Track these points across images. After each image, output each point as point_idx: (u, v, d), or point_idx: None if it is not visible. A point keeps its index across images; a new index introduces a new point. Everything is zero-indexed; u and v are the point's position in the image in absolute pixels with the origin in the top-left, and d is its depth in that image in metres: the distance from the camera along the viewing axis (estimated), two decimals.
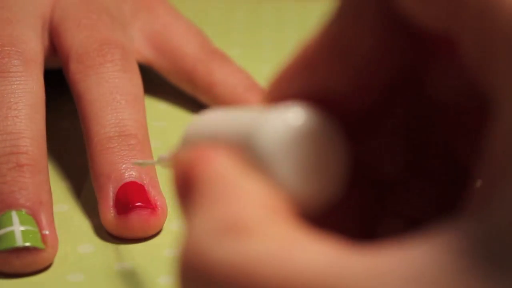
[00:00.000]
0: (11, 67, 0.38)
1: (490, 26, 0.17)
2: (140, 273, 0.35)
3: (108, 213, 0.36)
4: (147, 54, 0.46)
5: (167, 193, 0.37)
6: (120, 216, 0.36)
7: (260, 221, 0.18)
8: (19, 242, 0.33)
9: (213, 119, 0.23)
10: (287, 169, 0.20)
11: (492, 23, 0.17)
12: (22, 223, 0.34)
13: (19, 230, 0.34)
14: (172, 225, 0.37)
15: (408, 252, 0.16)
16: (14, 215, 0.34)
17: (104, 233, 0.37)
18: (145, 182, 0.37)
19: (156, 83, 0.48)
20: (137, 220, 0.36)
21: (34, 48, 0.40)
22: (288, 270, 0.17)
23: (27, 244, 0.33)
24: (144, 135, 0.39)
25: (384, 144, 0.23)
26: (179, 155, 0.21)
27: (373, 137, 0.23)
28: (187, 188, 0.20)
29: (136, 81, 0.40)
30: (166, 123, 0.46)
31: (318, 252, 0.17)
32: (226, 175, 0.20)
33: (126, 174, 0.36)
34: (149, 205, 0.36)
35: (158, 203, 0.36)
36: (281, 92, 0.22)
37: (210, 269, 0.18)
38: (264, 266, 0.17)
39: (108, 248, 0.36)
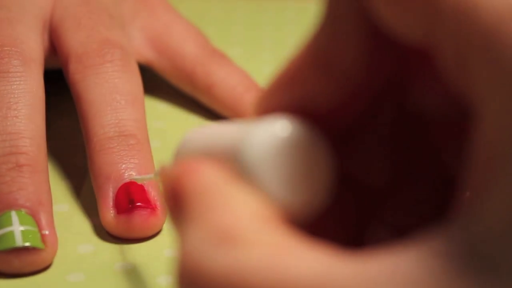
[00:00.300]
0: (11, 67, 0.38)
1: (467, 36, 0.17)
2: (140, 273, 0.35)
3: (108, 213, 0.36)
4: (147, 54, 0.46)
5: None
6: (119, 216, 0.36)
7: (252, 230, 0.19)
8: (19, 242, 0.33)
9: (203, 134, 0.24)
10: (273, 180, 0.20)
11: (469, 32, 0.17)
12: (21, 223, 0.34)
13: (18, 230, 0.34)
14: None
15: (397, 257, 0.17)
16: (14, 215, 0.34)
17: (104, 233, 0.37)
18: (145, 182, 0.37)
19: (156, 83, 0.48)
20: (137, 220, 0.36)
21: (34, 48, 0.40)
22: (282, 278, 0.17)
23: (27, 244, 0.33)
24: (144, 135, 0.39)
25: (371, 153, 0.23)
26: (167, 170, 0.22)
27: (359, 147, 0.23)
28: (176, 201, 0.21)
29: (135, 81, 0.40)
30: (166, 123, 0.46)
31: (311, 259, 0.17)
32: (214, 186, 0.20)
33: (126, 174, 0.36)
34: (149, 205, 0.36)
35: (158, 203, 0.36)
36: (269, 105, 0.22)
37: (205, 279, 0.18)
38: (259, 274, 0.17)
39: (108, 248, 0.36)
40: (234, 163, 0.21)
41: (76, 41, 0.41)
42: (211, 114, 0.46)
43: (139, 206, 0.36)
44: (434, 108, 0.22)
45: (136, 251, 0.36)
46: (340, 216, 0.23)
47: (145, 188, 0.36)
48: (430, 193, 0.23)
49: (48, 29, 0.42)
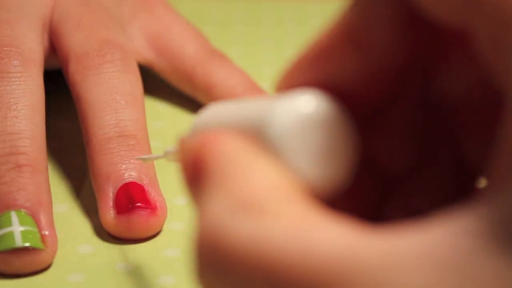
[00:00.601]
0: (11, 68, 0.38)
1: (504, 19, 0.17)
2: (140, 273, 0.35)
3: (108, 213, 0.36)
4: (147, 54, 0.46)
5: (166, 193, 0.37)
6: (119, 217, 0.36)
7: (276, 201, 0.18)
8: (19, 242, 0.33)
9: (221, 110, 0.23)
10: (298, 154, 0.20)
11: (506, 16, 0.17)
12: (21, 223, 0.34)
13: (18, 230, 0.34)
14: (172, 225, 0.37)
15: (426, 233, 0.17)
16: (14, 216, 0.34)
17: (104, 233, 0.37)
18: (144, 182, 0.37)
19: (156, 83, 0.48)
20: (137, 220, 0.36)
21: (34, 48, 0.40)
22: (307, 251, 0.17)
23: (27, 244, 0.33)
24: (144, 136, 0.39)
25: (391, 136, 0.23)
26: (186, 141, 0.21)
27: (381, 129, 0.23)
28: (196, 172, 0.20)
29: (135, 82, 0.40)
30: (166, 124, 0.46)
31: (336, 234, 0.17)
32: (237, 156, 0.20)
33: (126, 175, 0.36)
34: (149, 205, 0.36)
35: (157, 203, 0.36)
36: (293, 80, 0.22)
37: (227, 247, 0.18)
38: (283, 247, 0.17)
39: (108, 248, 0.36)
40: (258, 136, 0.20)
41: (76, 41, 0.41)
42: None
43: (139, 206, 0.36)
44: (458, 93, 0.22)
45: (136, 251, 0.36)
46: (358, 197, 0.23)
47: (145, 188, 0.36)
48: (448, 177, 0.23)
49: (48, 29, 0.42)
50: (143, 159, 0.36)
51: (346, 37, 0.21)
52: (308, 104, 0.21)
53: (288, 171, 0.20)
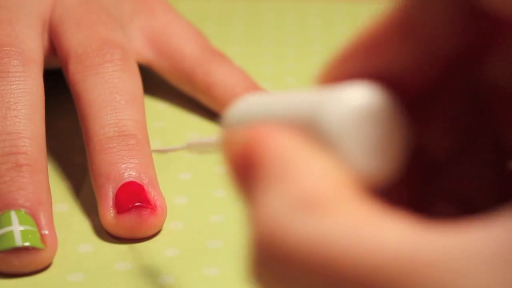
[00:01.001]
0: (11, 67, 0.38)
1: None
2: (140, 273, 0.35)
3: (108, 213, 0.36)
4: (147, 54, 0.46)
5: (166, 193, 0.37)
6: (119, 216, 0.36)
7: (333, 197, 0.18)
8: (18, 242, 0.33)
9: (259, 102, 0.23)
10: (353, 147, 0.20)
11: None
12: (21, 223, 0.34)
13: (18, 230, 0.34)
14: (172, 225, 0.37)
15: (489, 230, 0.16)
16: (13, 215, 0.34)
17: (104, 233, 0.37)
18: (144, 182, 0.37)
19: (156, 83, 0.48)
20: (137, 220, 0.36)
21: (34, 48, 0.40)
22: (369, 249, 0.17)
23: (27, 244, 0.33)
24: (144, 135, 0.39)
25: (438, 123, 0.23)
26: (232, 133, 0.21)
27: (428, 116, 0.23)
28: (248, 167, 0.20)
29: (135, 81, 0.40)
30: (166, 123, 0.46)
31: (397, 231, 0.17)
32: (292, 152, 0.19)
33: (126, 174, 0.36)
34: (149, 205, 0.36)
35: (157, 203, 0.36)
36: (343, 71, 0.22)
37: (289, 245, 0.18)
38: (345, 244, 0.17)
39: (108, 248, 0.36)
40: (309, 129, 0.20)
41: (75, 41, 0.41)
42: (211, 114, 0.46)
43: (139, 206, 0.36)
44: (504, 81, 0.22)
45: (136, 251, 0.36)
46: (405, 186, 0.23)
47: (145, 188, 0.36)
48: (488, 163, 0.23)
49: (47, 29, 0.42)
50: (161, 151, 0.35)
51: (401, 27, 0.21)
52: (361, 96, 0.21)
53: (343, 165, 0.20)
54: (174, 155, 0.42)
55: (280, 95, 0.23)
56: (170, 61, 0.46)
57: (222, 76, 0.45)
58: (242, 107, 0.24)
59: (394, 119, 0.21)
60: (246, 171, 0.20)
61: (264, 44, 0.55)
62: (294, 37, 0.56)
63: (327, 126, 0.20)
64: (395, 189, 0.22)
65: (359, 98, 0.21)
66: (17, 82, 0.38)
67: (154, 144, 0.41)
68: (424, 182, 0.23)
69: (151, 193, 0.36)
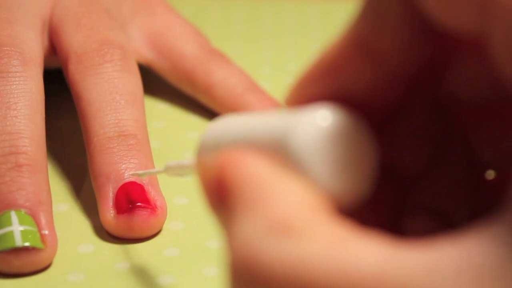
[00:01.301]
0: (11, 67, 0.38)
1: None
2: (140, 273, 0.35)
3: (108, 213, 0.36)
4: (147, 54, 0.46)
5: (166, 193, 0.37)
6: (119, 216, 0.36)
7: (307, 220, 0.18)
8: (19, 242, 0.33)
9: (230, 125, 0.23)
10: (321, 169, 0.20)
11: None
12: (21, 223, 0.34)
13: (18, 230, 0.34)
14: (172, 225, 0.37)
15: (460, 245, 0.17)
16: (13, 215, 0.34)
17: (104, 233, 0.37)
18: (144, 182, 0.37)
19: (156, 83, 0.48)
20: (137, 220, 0.36)
21: (34, 48, 0.40)
22: (344, 270, 0.17)
23: (27, 244, 0.33)
24: (144, 135, 0.39)
25: (404, 140, 0.23)
26: (205, 161, 0.21)
27: (395, 134, 0.23)
28: (222, 193, 0.20)
29: (135, 81, 0.40)
30: (166, 123, 0.46)
31: (371, 250, 0.17)
32: (263, 176, 0.20)
33: (126, 174, 0.36)
34: (149, 205, 0.36)
35: (157, 203, 0.36)
36: (304, 94, 0.22)
37: (265, 270, 0.18)
38: (320, 266, 0.17)
39: (108, 248, 0.36)
40: (278, 152, 0.21)
41: (75, 41, 0.41)
42: (211, 114, 0.46)
43: (139, 206, 0.36)
44: (468, 93, 0.22)
45: (136, 251, 0.36)
46: (378, 204, 0.23)
47: (145, 188, 0.36)
48: (460, 175, 0.23)
49: (47, 28, 0.42)
50: (139, 174, 0.36)
51: (357, 48, 0.21)
52: (327, 118, 0.21)
53: (314, 187, 0.20)
54: (174, 155, 0.42)
55: (251, 118, 0.23)
56: (170, 61, 0.46)
57: (222, 76, 0.45)
58: (215, 131, 0.24)
59: (361, 139, 0.21)
60: (220, 198, 0.20)
61: (264, 44, 0.55)
62: (294, 37, 0.56)
63: (294, 149, 0.20)
64: (370, 207, 0.23)
65: (323, 120, 0.21)
66: (17, 82, 0.38)
67: (154, 144, 0.41)
68: (398, 198, 0.24)
69: (151, 193, 0.36)
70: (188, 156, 0.42)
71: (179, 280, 0.34)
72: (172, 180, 0.38)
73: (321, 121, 0.21)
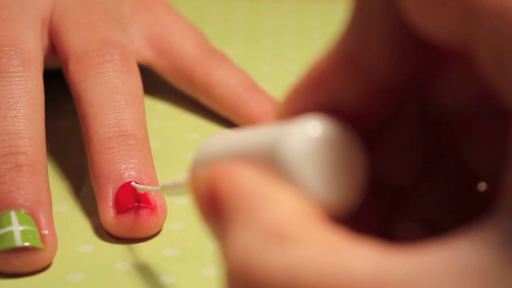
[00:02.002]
0: (10, 67, 0.38)
1: (505, 37, 0.17)
2: (140, 273, 0.35)
3: (108, 213, 0.36)
4: (147, 54, 0.46)
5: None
6: (119, 216, 0.36)
7: (300, 227, 0.19)
8: (18, 242, 0.33)
9: (224, 140, 0.24)
10: (312, 179, 0.21)
11: (507, 33, 0.17)
12: (21, 223, 0.34)
13: (18, 230, 0.34)
14: (172, 225, 0.37)
15: (449, 249, 0.17)
16: (13, 215, 0.34)
17: (104, 233, 0.37)
18: (144, 182, 0.37)
19: (156, 83, 0.48)
20: (137, 220, 0.36)
21: (34, 48, 0.40)
22: (338, 275, 0.17)
23: (26, 244, 0.33)
24: (144, 135, 0.39)
25: (394, 151, 0.24)
26: (197, 175, 0.21)
27: (385, 144, 0.24)
28: (214, 205, 0.21)
29: (135, 81, 0.40)
30: (166, 123, 0.46)
31: (363, 255, 0.18)
32: (254, 186, 0.20)
33: (126, 174, 0.36)
34: (149, 205, 0.36)
35: (157, 203, 0.36)
36: (295, 107, 0.23)
37: (261, 279, 0.18)
38: (314, 273, 0.18)
39: (108, 248, 0.36)
40: (269, 163, 0.21)
41: (75, 41, 0.41)
42: (211, 114, 0.46)
43: (139, 206, 0.36)
44: (457, 104, 0.22)
45: (136, 251, 0.36)
46: (369, 214, 0.23)
47: None
48: (451, 184, 0.23)
49: (47, 28, 0.42)
50: (138, 188, 0.36)
51: (343, 61, 0.22)
52: (316, 128, 0.21)
53: (304, 195, 0.20)
54: (174, 155, 0.42)
55: (243, 133, 0.23)
56: (170, 61, 0.46)
57: (222, 76, 0.45)
58: (207, 147, 0.24)
59: (350, 148, 0.22)
60: (213, 209, 0.21)
61: (264, 44, 0.55)
62: (294, 37, 0.56)
63: (285, 159, 0.21)
64: (361, 215, 0.23)
65: (313, 130, 0.21)
66: (17, 82, 0.38)
67: (154, 144, 0.41)
68: (390, 207, 0.24)
69: (151, 193, 0.36)
70: (187, 156, 0.42)
71: (179, 280, 0.34)
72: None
73: (310, 130, 0.21)
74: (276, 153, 0.21)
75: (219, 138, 0.24)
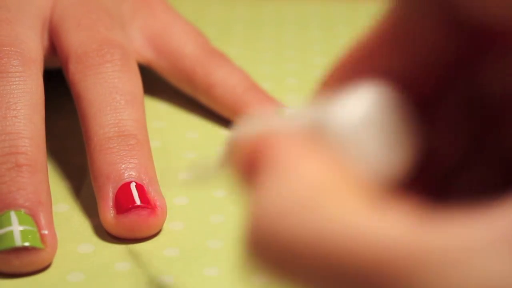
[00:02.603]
0: (10, 67, 0.38)
1: None
2: (140, 273, 0.35)
3: (108, 213, 0.36)
4: (147, 54, 0.46)
5: (166, 193, 0.37)
6: (119, 216, 0.36)
7: (335, 192, 0.19)
8: (18, 242, 0.33)
9: (266, 117, 0.24)
10: (366, 146, 0.21)
11: None
12: (21, 223, 0.34)
13: (18, 230, 0.34)
14: (172, 225, 0.37)
15: (493, 219, 0.16)
16: (13, 215, 0.34)
17: (104, 233, 0.37)
18: (144, 182, 0.37)
19: (156, 83, 0.48)
20: (137, 220, 0.36)
21: (34, 48, 0.40)
22: (363, 242, 0.17)
23: (26, 244, 0.33)
24: (144, 135, 0.39)
25: (443, 128, 0.24)
26: (241, 139, 0.22)
27: (434, 119, 0.24)
28: (253, 165, 0.21)
29: (135, 81, 0.40)
30: (166, 123, 0.46)
31: (394, 223, 0.17)
32: (297, 152, 0.20)
33: (126, 174, 0.36)
34: (149, 205, 0.36)
35: (157, 203, 0.36)
36: (345, 77, 0.23)
37: (289, 239, 0.18)
38: (340, 238, 0.17)
39: (108, 248, 0.36)
40: (318, 133, 0.21)
41: (75, 41, 0.41)
42: (211, 114, 0.46)
43: (139, 206, 0.36)
44: (505, 87, 0.22)
45: (136, 251, 0.36)
46: (415, 191, 0.23)
47: (145, 188, 0.36)
48: (496, 165, 0.23)
49: (47, 28, 0.42)
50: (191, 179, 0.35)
51: (392, 37, 0.22)
52: (368, 96, 0.21)
53: (350, 163, 0.20)
54: (174, 155, 0.42)
55: (287, 111, 0.23)
56: (170, 61, 0.46)
57: (222, 76, 0.45)
58: (252, 121, 0.24)
59: (400, 117, 0.22)
60: (251, 168, 0.21)
61: (264, 45, 0.55)
62: (294, 37, 0.56)
63: (337, 127, 0.21)
64: (410, 191, 0.23)
65: (365, 98, 0.21)
66: (17, 82, 0.38)
67: (154, 144, 0.41)
68: (437, 185, 0.24)
69: (151, 193, 0.36)
70: (187, 156, 0.42)
71: (179, 280, 0.34)
72: (172, 180, 0.38)
73: (362, 98, 0.21)
74: (326, 121, 0.21)
75: (263, 115, 0.24)
